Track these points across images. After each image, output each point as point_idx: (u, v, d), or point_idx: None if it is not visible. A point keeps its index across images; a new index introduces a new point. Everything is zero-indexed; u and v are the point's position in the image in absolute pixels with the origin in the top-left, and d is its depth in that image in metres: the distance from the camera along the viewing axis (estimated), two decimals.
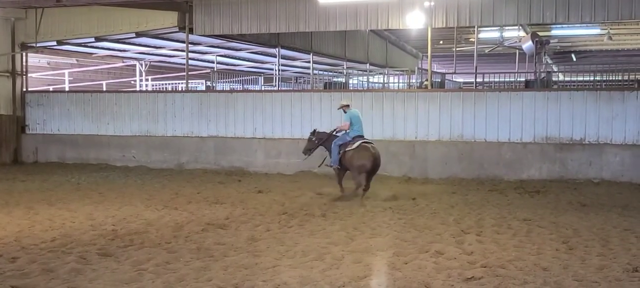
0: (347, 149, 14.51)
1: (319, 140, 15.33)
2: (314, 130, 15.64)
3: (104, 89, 29.89)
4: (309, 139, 15.51)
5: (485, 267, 8.25)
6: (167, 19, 21.38)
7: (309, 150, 15.48)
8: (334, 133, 15.28)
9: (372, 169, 14.45)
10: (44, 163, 22.55)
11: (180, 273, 8.11)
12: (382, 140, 19.01)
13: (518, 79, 24.88)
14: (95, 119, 22.51)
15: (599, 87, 20.17)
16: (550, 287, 7.44)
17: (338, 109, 15.66)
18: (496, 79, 25.37)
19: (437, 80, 23.49)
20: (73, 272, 8.13)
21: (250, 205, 13.74)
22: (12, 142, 23.19)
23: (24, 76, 23.86)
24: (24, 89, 23.77)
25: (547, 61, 33.56)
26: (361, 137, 14.77)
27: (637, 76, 20.57)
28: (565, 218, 12.00)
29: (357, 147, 14.42)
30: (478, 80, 24.69)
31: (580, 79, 28.43)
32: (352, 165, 14.44)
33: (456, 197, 14.97)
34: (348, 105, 15.14)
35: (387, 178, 18.19)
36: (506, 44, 29.11)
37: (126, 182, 17.84)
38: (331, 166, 15.06)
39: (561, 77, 34.49)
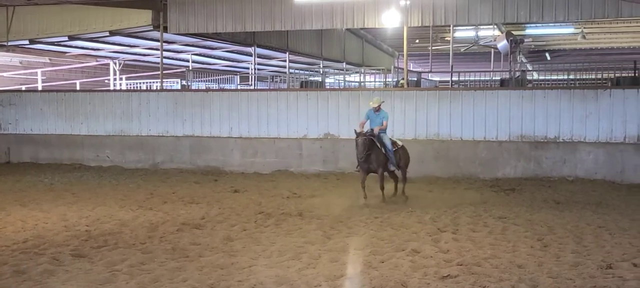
0: (396, 148, 14.26)
1: (371, 139, 13.62)
2: (364, 131, 13.74)
3: (78, 89, 29.50)
4: (363, 142, 13.39)
5: (461, 265, 8.28)
6: (142, 18, 21.16)
7: (364, 154, 13.49)
8: (376, 132, 13.89)
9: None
10: (17, 164, 22.18)
11: (155, 273, 8.03)
12: None
13: (493, 78, 25.05)
14: (68, 118, 22.19)
15: (573, 85, 20.39)
16: (526, 284, 7.49)
17: (373, 105, 14.17)
18: (472, 78, 25.55)
19: (413, 79, 23.57)
20: (46, 274, 8.03)
21: (226, 204, 13.66)
22: None
23: None
24: None
25: (521, 60, 33.89)
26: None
27: (610, 75, 20.78)
28: (540, 215, 12.11)
29: (401, 144, 14.77)
30: (454, 79, 24.85)
31: (555, 77, 28.74)
32: (407, 163, 14.81)
33: (432, 195, 15.02)
34: (379, 105, 14.18)
35: None
36: (481, 43, 29.32)
37: (100, 182, 17.63)
38: (393, 168, 14.22)
39: (536, 76, 34.82)
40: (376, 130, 13.76)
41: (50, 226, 11.26)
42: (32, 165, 21.53)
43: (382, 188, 13.86)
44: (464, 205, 13.43)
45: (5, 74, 26.53)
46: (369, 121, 14.12)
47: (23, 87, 27.86)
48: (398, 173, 14.59)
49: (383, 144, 13.80)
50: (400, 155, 14.33)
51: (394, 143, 14.23)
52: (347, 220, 11.77)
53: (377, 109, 14.08)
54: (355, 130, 13.68)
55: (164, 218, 11.94)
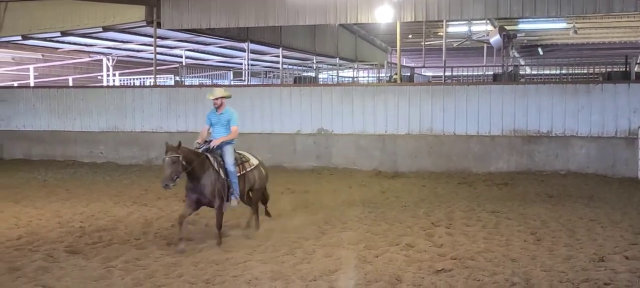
0: (247, 169, 10.23)
1: (187, 160, 9.20)
2: (179, 144, 9.23)
3: (71, 85, 29.39)
4: (170, 162, 9.03)
5: (455, 259, 8.34)
6: (135, 13, 21.12)
7: (172, 179, 9.07)
8: (213, 146, 9.80)
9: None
10: (9, 161, 22.09)
11: (150, 269, 8.05)
12: (352, 134, 19.12)
13: (486, 73, 25.11)
14: (61, 114, 22.13)
15: (565, 80, 20.48)
16: (519, 277, 7.54)
17: (212, 98, 10.26)
18: (464, 73, 25.60)
19: (406, 74, 23.60)
20: (40, 270, 8.03)
21: None
22: None
23: None
24: None
25: (514, 55, 34.00)
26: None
27: (601, 69, 20.88)
28: (533, 209, 12.17)
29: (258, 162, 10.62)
30: (447, 74, 24.90)
31: (547, 72, 28.81)
32: (263, 183, 10.72)
33: (426, 190, 15.08)
34: (224, 98, 10.25)
35: (358, 172, 18.28)
36: (474, 38, 29.40)
37: (94, 178, 17.60)
38: (237, 201, 9.89)
39: (528, 71, 34.94)
40: (214, 143, 9.74)
41: (44, 223, 11.25)
42: (24, 162, 21.46)
43: (219, 226, 9.51)
44: (457, 199, 13.49)
45: None
46: (212, 127, 10.08)
47: (15, 83, 27.75)
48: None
49: (223, 164, 9.66)
50: (254, 178, 10.36)
51: (244, 161, 10.20)
52: (341, 215, 11.80)
53: (219, 107, 10.08)
54: (167, 145, 9.28)
55: (158, 214, 11.96)
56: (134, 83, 29.03)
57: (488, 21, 26.25)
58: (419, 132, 18.69)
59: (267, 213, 11.11)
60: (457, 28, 29.44)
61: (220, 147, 9.77)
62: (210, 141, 9.85)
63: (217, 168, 9.53)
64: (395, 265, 8.11)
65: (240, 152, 10.31)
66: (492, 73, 23.14)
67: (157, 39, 22.68)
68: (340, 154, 19.22)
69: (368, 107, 19.12)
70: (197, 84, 25.53)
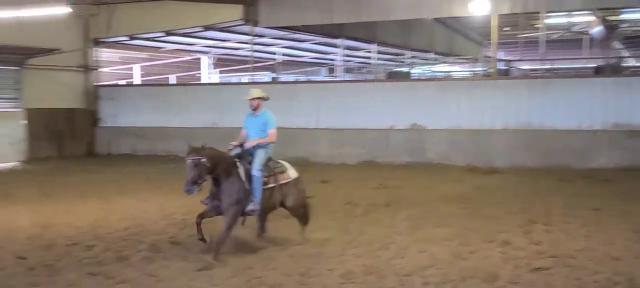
0: (280, 181, 9.21)
1: (213, 163, 8.53)
2: (203, 145, 8.62)
3: (173, 82, 30.59)
4: (192, 165, 8.40)
5: (554, 257, 8.12)
6: (233, 12, 21.72)
7: (195, 183, 8.38)
8: (243, 150, 9.08)
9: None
10: (117, 155, 23.31)
11: (248, 261, 8.30)
12: (446, 129, 18.91)
13: (587, 65, 24.17)
14: (164, 111, 23.10)
15: None
16: (622, 277, 7.27)
17: (248, 98, 9.61)
18: (564, 66, 24.75)
19: (502, 67, 23.08)
20: (146, 260, 8.45)
21: (315, 195, 13.83)
22: (86, 135, 24.08)
23: (97, 71, 24.72)
24: (97, 84, 24.62)
25: (617, 46, 32.47)
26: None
27: None
28: (637, 207, 11.64)
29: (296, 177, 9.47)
30: (545, 67, 24.14)
31: None
32: (299, 198, 9.50)
33: (523, 186, 14.71)
34: (260, 99, 9.58)
35: (452, 168, 18.06)
36: (574, 29, 28.30)
37: None
38: (256, 211, 8.93)
39: (633, 63, 33.27)
40: (249, 144, 9.06)
41: (149, 215, 11.81)
42: (130, 157, 22.57)
43: (223, 240, 8.57)
44: (556, 196, 13.09)
45: (105, 70, 27.88)
46: (248, 131, 9.32)
47: (122, 82, 29.16)
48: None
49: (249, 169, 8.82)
50: (288, 193, 9.30)
51: (278, 172, 9.23)
52: (435, 210, 11.73)
53: (256, 108, 9.45)
54: (190, 147, 8.66)
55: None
56: (231, 80, 29.83)
57: (589, 12, 25.21)
58: (516, 127, 18.25)
59: (302, 234, 9.60)
60: (556, 19, 28.42)
61: (253, 151, 8.98)
62: (242, 146, 9.09)
63: (242, 177, 8.70)
64: (491, 262, 8.00)
65: (280, 161, 9.42)
66: (593, 65, 22.25)
67: (254, 37, 23.23)
68: (433, 149, 19.05)
69: (462, 101, 18.84)
70: (292, 80, 25.95)
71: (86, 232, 10.30)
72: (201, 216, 8.81)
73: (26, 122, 21.77)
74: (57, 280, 7.55)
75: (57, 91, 23.15)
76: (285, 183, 9.20)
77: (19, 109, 21.76)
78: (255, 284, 7.29)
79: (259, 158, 8.91)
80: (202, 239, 8.68)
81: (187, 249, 9.05)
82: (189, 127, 22.36)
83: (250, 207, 8.77)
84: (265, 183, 8.86)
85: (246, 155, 8.89)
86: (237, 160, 8.85)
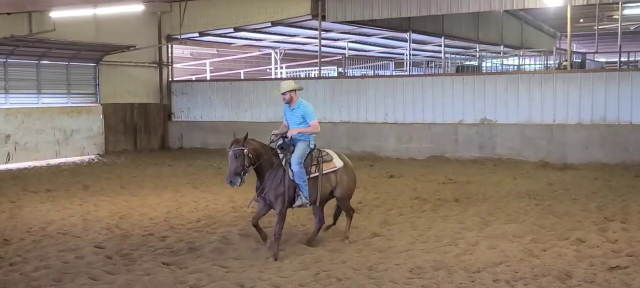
0: (325, 170, 8.88)
1: (255, 154, 8.51)
2: (246, 136, 8.55)
3: (242, 78, 31.08)
4: (234, 155, 8.34)
5: (631, 256, 7.85)
6: (301, 8, 21.89)
7: (237, 174, 8.35)
8: (286, 140, 8.80)
9: None
10: (189, 149, 23.91)
11: (316, 254, 8.37)
12: (517, 124, 18.53)
13: None
14: (234, 106, 23.54)
15: None
16: None
17: (278, 93, 8.99)
18: None
19: (577, 60, 22.39)
20: (216, 251, 8.65)
21: (382, 189, 13.84)
22: (159, 129, 24.81)
23: (170, 66, 25.39)
24: (170, 79, 25.30)
25: None
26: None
27: None
28: None
29: (345, 164, 9.21)
30: (623, 59, 23.26)
31: None
32: (348, 189, 9.24)
33: (598, 183, 14.25)
34: (293, 91, 8.99)
35: (523, 163, 17.69)
36: None
37: None
38: (304, 204, 8.80)
39: None
40: (291, 133, 8.79)
41: (220, 207, 12.08)
42: (202, 150, 23.12)
43: (277, 234, 8.47)
44: (634, 193, 12.63)
45: (178, 66, 28.60)
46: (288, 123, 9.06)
47: (193, 77, 29.84)
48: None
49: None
50: (335, 182, 9.03)
51: (322, 161, 8.90)
52: (506, 206, 11.53)
53: (290, 101, 8.99)
54: (233, 137, 8.84)
55: None
56: (299, 75, 30.07)
57: None
58: (591, 122, 17.68)
59: (333, 223, 9.54)
60: (634, 10, 27.34)
61: (294, 143, 8.74)
62: (284, 136, 8.83)
63: (285, 166, 8.58)
64: (564, 260, 7.80)
65: (325, 150, 9.15)
66: None
67: (322, 32, 23.32)
68: (504, 144, 18.69)
69: (534, 95, 18.40)
70: (359, 75, 25.94)
71: (160, 223, 10.63)
72: (256, 219, 8.81)
73: (103, 116, 22.58)
74: (133, 268, 7.82)
75: (132, 86, 23.93)
76: (332, 173, 8.94)
77: (96, 104, 22.59)
78: (323, 277, 7.34)
79: (299, 151, 8.65)
80: (265, 238, 8.78)
81: (256, 241, 9.19)
82: (258, 122, 22.71)
83: (297, 202, 8.66)
84: (307, 174, 8.68)
85: (288, 147, 8.71)
86: (279, 151, 8.73)
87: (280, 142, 8.75)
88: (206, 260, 8.24)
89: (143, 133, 24.22)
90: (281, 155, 8.65)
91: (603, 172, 15.91)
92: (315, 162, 8.81)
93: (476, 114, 19.14)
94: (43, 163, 19.92)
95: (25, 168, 18.63)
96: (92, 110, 22.34)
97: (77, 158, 21.10)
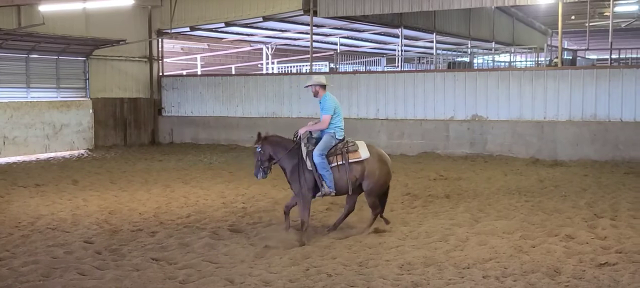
0: (350, 160, 9.09)
1: (274, 150, 9.32)
2: (264, 135, 9.55)
3: (233, 73, 31.03)
4: (255, 151, 9.52)
5: (620, 253, 7.87)
6: (293, 3, 21.85)
7: (260, 169, 9.45)
8: (302, 135, 9.22)
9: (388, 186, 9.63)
10: (179, 144, 23.83)
11: (306, 250, 8.36)
12: (508, 120, 18.57)
13: None
14: (225, 101, 23.48)
15: None
16: None
17: (307, 86, 9.73)
18: (634, 55, 23.89)
19: (568, 57, 22.45)
20: (207, 246, 8.63)
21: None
22: (149, 124, 24.70)
23: (160, 61, 25.28)
24: (160, 74, 25.19)
25: None
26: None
27: None
28: None
29: (374, 155, 9.26)
30: (613, 56, 23.35)
31: None
32: (376, 183, 9.26)
33: (588, 179, 14.30)
34: (323, 87, 9.49)
35: (514, 160, 17.74)
36: None
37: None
38: (329, 193, 9.13)
39: None
40: (301, 131, 9.22)
41: (210, 202, 12.04)
42: (192, 146, 23.07)
43: (302, 223, 9.03)
44: (623, 190, 12.68)
45: (168, 60, 28.48)
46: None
47: (184, 72, 29.75)
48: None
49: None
50: (359, 172, 9.14)
51: (347, 151, 9.11)
52: (496, 203, 11.55)
53: (316, 95, 9.47)
54: (258, 135, 9.70)
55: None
56: (291, 70, 30.05)
57: None
58: (582, 119, 17.74)
59: (385, 220, 9.61)
60: (626, 7, 27.45)
61: (320, 136, 9.17)
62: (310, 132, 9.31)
63: (305, 159, 8.98)
64: (553, 256, 7.81)
65: (354, 141, 9.31)
66: None
67: (313, 27, 23.28)
68: (495, 141, 18.73)
69: (526, 92, 18.44)
70: (351, 70, 25.93)
71: (150, 219, 10.59)
72: (287, 207, 9.45)
73: (93, 111, 22.46)
74: (122, 264, 7.78)
75: (122, 81, 23.82)
76: (357, 163, 9.11)
77: (86, 98, 22.47)
78: (313, 273, 7.33)
79: (322, 143, 9.05)
80: (288, 228, 9.25)
81: (246, 237, 9.19)
82: (250, 117, 22.69)
83: (321, 191, 9.03)
84: (330, 163, 9.02)
85: (312, 139, 9.19)
86: (302, 143, 9.11)
87: (298, 138, 9.23)
88: (196, 255, 8.21)
89: (133, 128, 24.12)
90: (304, 148, 9.07)
91: (593, 168, 15.96)
92: (339, 152, 9.10)
93: (467, 111, 19.18)
94: (32, 157, 19.82)
95: (14, 163, 18.52)
96: (81, 104, 22.22)
97: (66, 153, 20.99)
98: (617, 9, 26.45)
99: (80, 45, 21.64)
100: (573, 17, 30.70)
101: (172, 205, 11.78)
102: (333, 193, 9.13)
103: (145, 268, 7.59)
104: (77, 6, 18.40)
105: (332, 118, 9.16)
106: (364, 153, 9.16)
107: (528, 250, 8.15)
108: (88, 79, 22.54)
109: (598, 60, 32.46)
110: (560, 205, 11.24)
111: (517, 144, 18.37)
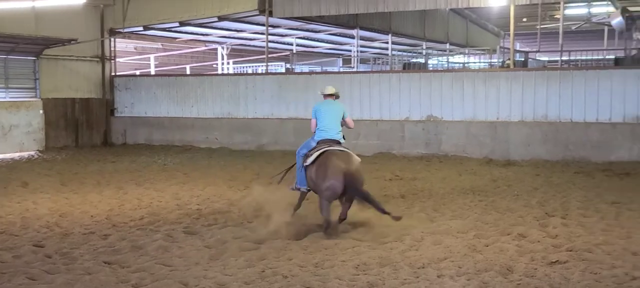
0: (307, 162, 9.69)
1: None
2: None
3: (188, 73, 30.69)
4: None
5: (570, 251, 8.02)
6: (248, 3, 21.73)
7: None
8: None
9: (347, 190, 9.28)
10: (132, 145, 23.45)
11: (262, 252, 8.30)
12: (462, 121, 18.80)
13: (606, 57, 23.88)
14: (180, 101, 23.19)
15: None
16: None
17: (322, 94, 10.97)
18: (583, 57, 24.47)
19: (520, 59, 22.87)
20: (161, 249, 8.48)
21: None
22: (102, 124, 24.23)
23: (113, 61, 24.81)
24: (113, 73, 24.73)
25: (638, 37, 32.09)
26: (328, 140, 10.03)
27: None
28: None
29: (320, 157, 9.53)
30: (564, 58, 23.89)
31: None
32: (317, 186, 9.47)
33: (540, 179, 14.58)
34: (333, 95, 10.83)
35: (468, 160, 17.97)
36: (594, 20, 27.97)
37: (209, 163, 18.32)
38: (297, 189, 10.16)
39: None
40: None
41: (164, 204, 11.87)
42: (146, 147, 22.72)
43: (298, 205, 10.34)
44: (573, 189, 12.97)
45: (121, 60, 27.97)
46: None
47: (137, 72, 29.29)
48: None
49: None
50: (312, 176, 9.63)
51: (328, 153, 9.60)
52: (451, 202, 11.67)
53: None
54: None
55: (269, 199, 12.24)
56: (246, 71, 29.88)
57: (609, 2, 24.88)
58: (533, 119, 18.09)
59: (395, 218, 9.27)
60: (576, 10, 28.12)
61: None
62: None
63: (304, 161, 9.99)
64: (506, 255, 7.92)
65: (334, 147, 9.88)
66: (613, 57, 21.98)
67: (269, 28, 23.20)
68: (450, 141, 18.95)
69: (479, 93, 18.71)
70: (307, 71, 25.92)
71: (102, 221, 10.37)
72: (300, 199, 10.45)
73: (43, 111, 21.92)
74: (74, 268, 7.59)
75: (73, 81, 23.31)
76: (310, 166, 9.68)
77: (36, 99, 21.92)
78: (268, 274, 7.27)
79: (303, 143, 10.27)
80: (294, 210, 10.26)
81: (201, 239, 9.06)
82: (205, 118, 22.46)
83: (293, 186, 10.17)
84: (303, 163, 9.81)
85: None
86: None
87: None
88: (149, 258, 8.06)
89: (85, 129, 23.62)
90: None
91: (544, 168, 16.28)
92: (314, 151, 9.77)
93: (422, 111, 19.35)
94: None
95: None
96: (31, 105, 21.66)
97: (15, 155, 20.44)
98: (568, 11, 27.08)
99: (29, 45, 21.08)
100: (525, 20, 31.30)
101: (125, 207, 11.56)
102: (305, 190, 10.04)
103: (97, 271, 7.42)
104: (27, 4, 17.96)
105: (317, 122, 10.35)
106: (309, 160, 9.69)
107: (482, 249, 8.25)
108: (38, 78, 22.00)
109: (549, 62, 33.17)
110: (512, 204, 11.43)
111: (471, 144, 18.62)
